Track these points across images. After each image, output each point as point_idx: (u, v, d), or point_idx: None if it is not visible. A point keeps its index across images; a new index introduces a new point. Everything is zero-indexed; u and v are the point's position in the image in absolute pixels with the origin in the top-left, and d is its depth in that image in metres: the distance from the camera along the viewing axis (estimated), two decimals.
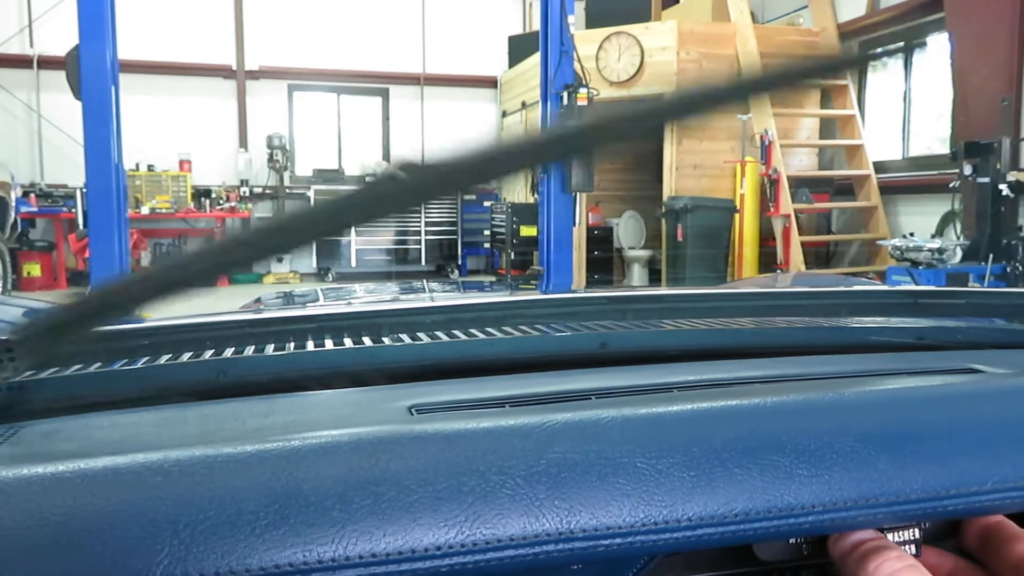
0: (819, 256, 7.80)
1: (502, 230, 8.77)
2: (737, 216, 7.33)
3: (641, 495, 0.37)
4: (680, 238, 7.21)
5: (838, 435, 0.41)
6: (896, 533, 0.42)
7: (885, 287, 1.14)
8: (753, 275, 7.29)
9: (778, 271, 7.06)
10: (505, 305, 0.88)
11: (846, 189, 7.88)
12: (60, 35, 8.38)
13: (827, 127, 8.23)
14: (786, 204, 7.08)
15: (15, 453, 0.45)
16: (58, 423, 0.52)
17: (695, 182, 7.61)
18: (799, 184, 7.48)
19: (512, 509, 0.36)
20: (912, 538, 0.42)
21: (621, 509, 0.37)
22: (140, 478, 0.35)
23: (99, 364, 0.69)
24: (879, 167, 7.65)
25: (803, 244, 7.11)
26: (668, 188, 7.65)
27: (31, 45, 9.10)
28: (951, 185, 6.01)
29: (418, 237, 10.06)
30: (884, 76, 7.88)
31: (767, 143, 7.17)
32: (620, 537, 0.36)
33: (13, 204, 6.75)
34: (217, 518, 0.33)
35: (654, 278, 8.63)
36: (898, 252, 5.71)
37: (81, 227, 7.83)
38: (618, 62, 7.81)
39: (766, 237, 7.43)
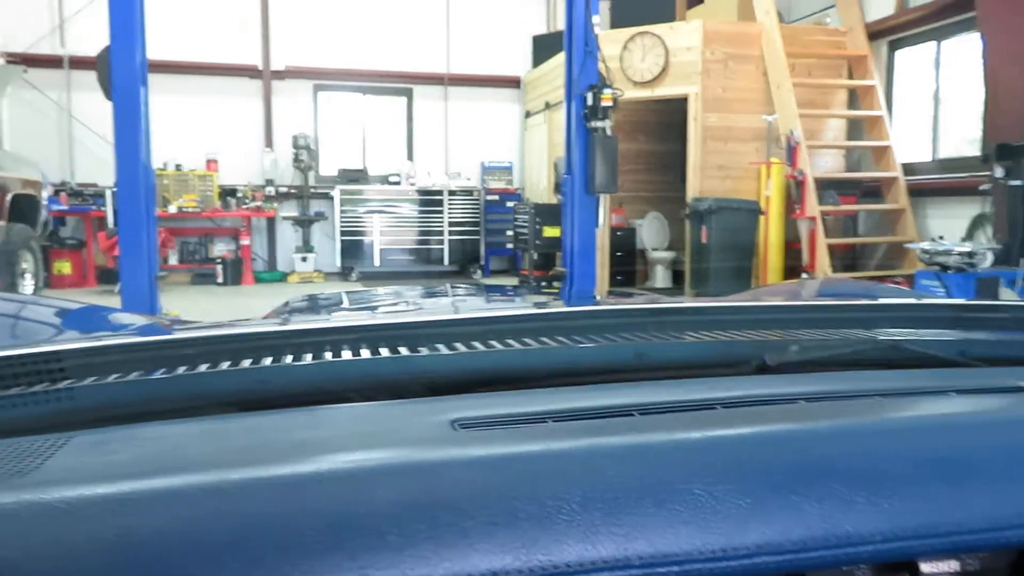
0: (845, 259, 7.71)
1: (525, 231, 8.77)
2: (762, 218, 7.27)
3: (698, 522, 0.37)
4: (704, 240, 7.17)
5: (894, 461, 0.41)
6: (933, 564, 0.41)
7: (928, 300, 1.12)
8: (778, 277, 7.23)
9: (804, 275, 7.00)
10: (541, 316, 0.88)
11: (873, 191, 7.79)
12: (91, 35, 8.51)
13: (854, 128, 8.14)
14: (812, 206, 7.01)
15: (70, 466, 0.45)
16: (107, 433, 0.53)
17: (720, 183, 7.56)
18: (825, 186, 7.40)
19: (568, 535, 0.36)
20: (955, 570, 0.41)
21: (678, 536, 0.36)
22: (198, 500, 0.35)
23: (139, 372, 0.70)
24: (907, 169, 7.56)
25: (829, 247, 7.03)
26: (692, 189, 7.61)
27: (62, 45, 9.24)
28: (982, 188, 5.92)
29: (441, 237, 10.08)
30: (913, 76, 7.77)
31: (793, 144, 7.11)
32: (677, 565, 0.36)
33: (44, 203, 6.85)
34: (275, 542, 0.33)
35: (677, 279, 8.59)
36: (927, 256, 5.63)
37: (110, 225, 7.94)
38: (642, 62, 7.78)
39: (791, 239, 7.36)
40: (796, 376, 0.65)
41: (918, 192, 7.42)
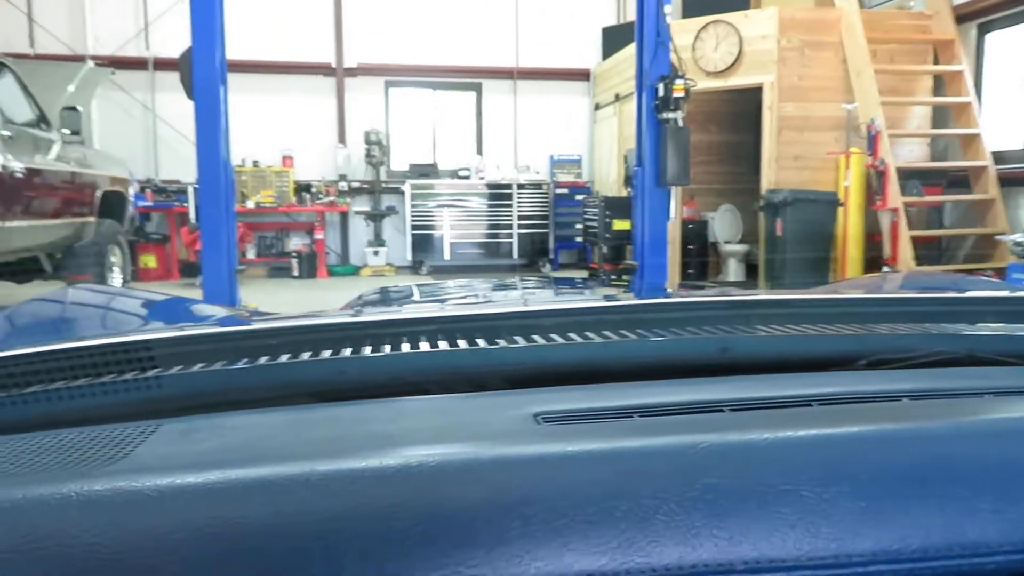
0: (930, 252, 7.40)
1: (594, 224, 8.71)
2: (841, 210, 7.04)
3: (807, 526, 0.35)
4: (779, 232, 6.98)
5: (1020, 463, 0.38)
6: None
7: None
8: (858, 271, 6.99)
9: (885, 268, 6.74)
10: (620, 309, 0.86)
11: (961, 181, 7.44)
12: (173, 37, 8.83)
13: (940, 115, 7.79)
14: (894, 197, 6.75)
15: (159, 453, 0.46)
16: (193, 422, 0.53)
17: (796, 174, 7.35)
18: (909, 176, 7.11)
19: (667, 536, 0.34)
20: None
21: (785, 541, 0.34)
22: (288, 491, 0.35)
23: (224, 362, 0.71)
24: (998, 157, 7.19)
25: (913, 239, 6.76)
26: (767, 180, 7.42)
27: (147, 48, 9.60)
28: None
29: (510, 231, 10.11)
30: (1005, 60, 7.39)
31: (874, 133, 6.85)
32: (784, 571, 0.34)
33: (131, 199, 7.14)
34: (365, 535, 0.33)
35: (751, 273, 8.40)
36: (1020, 248, 5.36)
37: (192, 221, 8.22)
38: (715, 51, 7.61)
39: (872, 231, 7.10)
40: (894, 372, 0.62)
41: (1009, 181, 7.06)
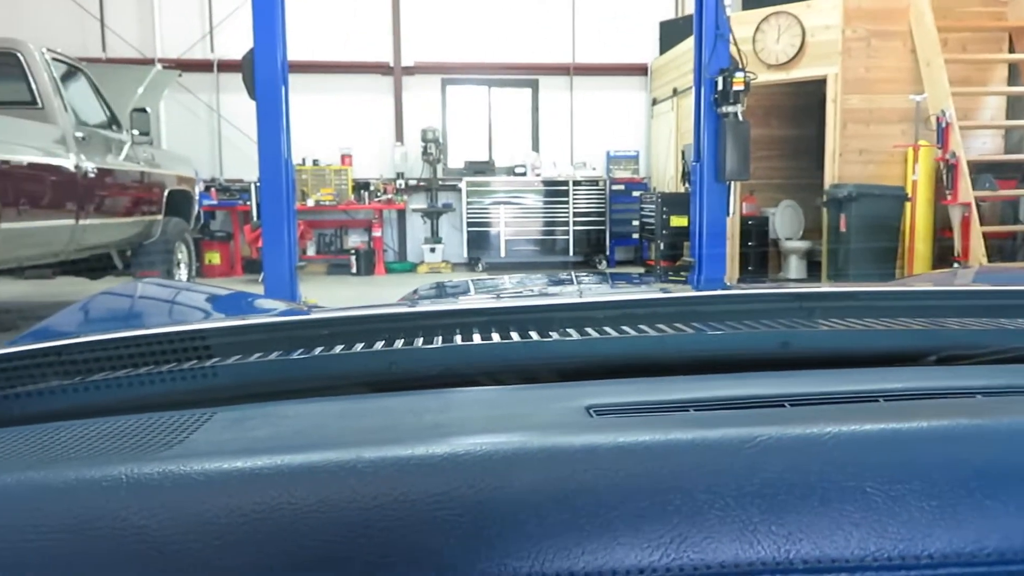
0: (1004, 248, 7.11)
1: (651, 220, 8.62)
2: (908, 205, 6.81)
3: (872, 525, 0.33)
4: (843, 228, 6.80)
5: None
6: None
7: None
8: (926, 267, 6.77)
9: (955, 264, 6.51)
10: (677, 301, 0.84)
11: None
12: (236, 40, 9.05)
13: (1016, 106, 7.47)
14: (966, 191, 6.50)
15: (212, 440, 0.46)
16: (247, 410, 0.54)
17: (861, 168, 7.14)
18: (981, 169, 6.84)
19: (722, 533, 0.33)
20: None
21: (848, 540, 0.33)
22: (335, 478, 0.35)
23: (280, 352, 0.72)
24: None
25: (985, 235, 6.50)
26: (830, 175, 7.23)
27: (212, 50, 9.86)
28: None
29: (566, 228, 10.07)
30: None
31: (944, 125, 6.61)
32: (847, 572, 0.32)
33: (197, 198, 7.34)
34: (411, 523, 0.32)
35: (813, 270, 8.20)
36: None
37: (255, 218, 8.41)
38: (777, 43, 7.45)
39: (942, 227, 6.86)
40: (966, 368, 0.59)
41: None
